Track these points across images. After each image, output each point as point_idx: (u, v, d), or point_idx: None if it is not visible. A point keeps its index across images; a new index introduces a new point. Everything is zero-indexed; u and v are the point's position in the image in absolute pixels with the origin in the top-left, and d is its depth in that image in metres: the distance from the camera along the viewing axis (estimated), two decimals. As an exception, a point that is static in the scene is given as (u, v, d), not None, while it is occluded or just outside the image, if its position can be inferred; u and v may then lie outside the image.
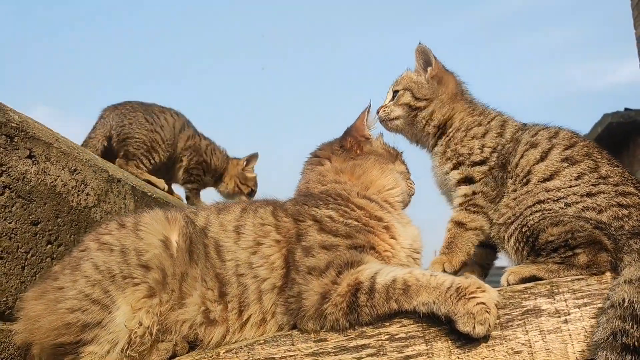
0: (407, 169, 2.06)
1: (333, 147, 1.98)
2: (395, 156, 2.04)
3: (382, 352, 1.43)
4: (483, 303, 1.34)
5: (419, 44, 2.10)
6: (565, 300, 1.41)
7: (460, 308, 1.35)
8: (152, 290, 1.55)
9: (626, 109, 7.31)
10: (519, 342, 1.40)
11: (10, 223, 1.81)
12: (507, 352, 1.39)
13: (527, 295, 1.43)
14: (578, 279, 1.42)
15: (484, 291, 1.36)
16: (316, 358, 1.46)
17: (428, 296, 1.38)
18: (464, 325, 1.35)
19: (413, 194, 2.01)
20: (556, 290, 1.42)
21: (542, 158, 1.73)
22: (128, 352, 1.51)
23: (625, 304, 1.32)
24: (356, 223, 1.63)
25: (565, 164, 1.69)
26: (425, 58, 2.09)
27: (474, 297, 1.35)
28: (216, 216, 1.71)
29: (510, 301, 1.42)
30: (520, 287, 1.44)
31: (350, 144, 1.96)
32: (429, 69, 2.07)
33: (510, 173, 1.79)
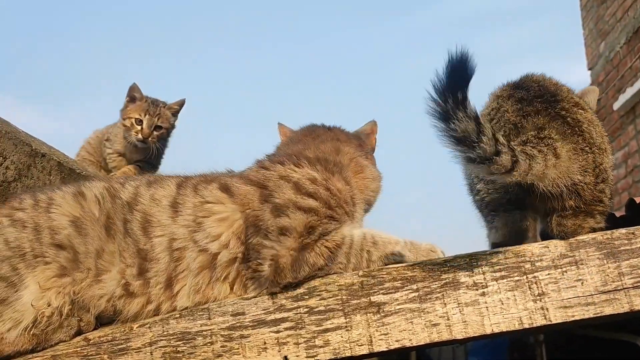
0: None
1: (359, 140, 1.89)
2: None
3: (300, 326, 1.40)
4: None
5: None
6: (484, 273, 1.41)
7: None
8: (64, 269, 1.50)
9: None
10: (437, 315, 1.39)
11: None
12: (425, 324, 1.39)
13: (446, 268, 1.42)
14: (496, 252, 1.43)
15: None
16: (233, 332, 1.41)
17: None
18: None
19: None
20: (475, 263, 1.42)
21: None
22: (33, 331, 1.45)
23: None
24: (338, 195, 1.55)
25: None
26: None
27: None
28: (146, 189, 1.62)
29: (430, 274, 1.42)
30: (440, 260, 1.44)
31: (368, 148, 1.90)
32: None
33: None
